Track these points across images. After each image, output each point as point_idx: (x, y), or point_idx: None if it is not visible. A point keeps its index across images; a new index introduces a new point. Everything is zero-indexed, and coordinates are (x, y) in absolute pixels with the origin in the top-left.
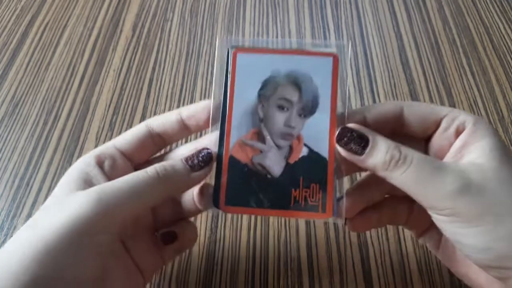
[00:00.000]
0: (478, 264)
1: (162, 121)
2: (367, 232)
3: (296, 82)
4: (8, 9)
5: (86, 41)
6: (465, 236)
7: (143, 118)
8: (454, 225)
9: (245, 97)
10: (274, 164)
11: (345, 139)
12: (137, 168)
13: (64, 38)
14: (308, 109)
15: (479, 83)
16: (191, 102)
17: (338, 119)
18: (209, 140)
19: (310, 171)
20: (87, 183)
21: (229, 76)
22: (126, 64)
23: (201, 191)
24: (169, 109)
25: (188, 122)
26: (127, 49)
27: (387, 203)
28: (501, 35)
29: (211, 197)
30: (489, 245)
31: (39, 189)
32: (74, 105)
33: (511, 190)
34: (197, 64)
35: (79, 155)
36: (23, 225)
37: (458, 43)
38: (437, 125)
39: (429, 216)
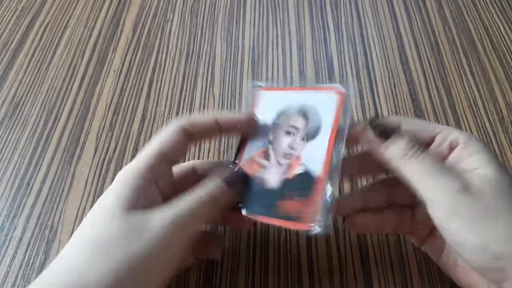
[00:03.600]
0: (475, 266)
1: (201, 120)
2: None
3: (304, 113)
4: (9, 9)
5: (87, 42)
6: (462, 235)
7: (143, 119)
8: (452, 224)
9: (262, 124)
10: (272, 178)
11: (376, 124)
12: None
13: (65, 38)
14: (311, 135)
15: (479, 83)
16: (192, 102)
17: (339, 136)
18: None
19: (302, 187)
20: (148, 200)
21: (251, 108)
22: (126, 64)
23: None
24: (170, 110)
25: (224, 125)
26: (128, 49)
27: (391, 210)
28: (501, 35)
29: None
30: (484, 245)
31: (40, 190)
32: (75, 106)
33: (505, 196)
34: (197, 65)
35: (80, 156)
36: (91, 250)
37: (458, 43)
38: (431, 140)
39: (430, 223)
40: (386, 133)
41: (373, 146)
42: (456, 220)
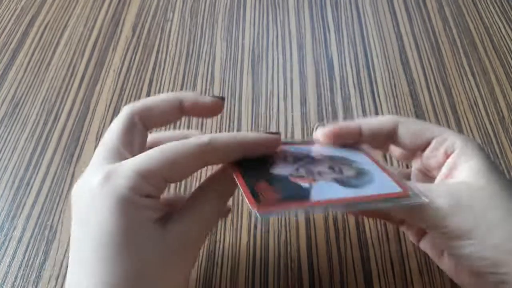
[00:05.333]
0: (475, 271)
1: (159, 102)
2: (367, 232)
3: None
4: (8, 9)
5: (86, 41)
6: (460, 248)
7: None
8: (448, 240)
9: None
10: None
11: None
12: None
13: (64, 38)
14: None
15: (480, 83)
16: None
17: None
18: None
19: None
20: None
21: None
22: (126, 64)
23: None
24: None
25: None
26: (127, 49)
27: None
28: (502, 36)
29: None
30: (482, 255)
31: (39, 190)
32: (74, 105)
33: (497, 205)
34: (197, 65)
35: (79, 155)
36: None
37: (459, 44)
38: (428, 143)
39: None
40: None
41: None
42: (452, 238)
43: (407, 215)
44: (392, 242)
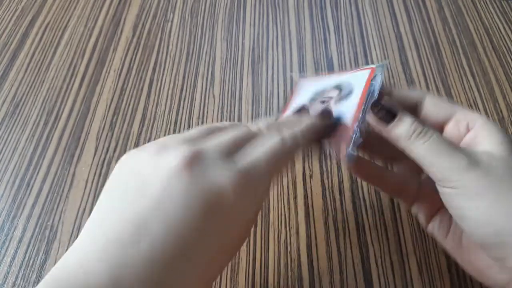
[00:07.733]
0: (478, 240)
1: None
2: (367, 232)
3: (339, 87)
4: (9, 9)
5: (87, 42)
6: (468, 209)
7: (143, 119)
8: (459, 198)
9: (300, 101)
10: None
11: (377, 108)
12: None
13: (65, 38)
14: (344, 97)
15: (479, 83)
16: (192, 102)
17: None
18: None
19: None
20: None
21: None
22: (126, 64)
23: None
24: (170, 110)
25: None
26: (128, 49)
27: (398, 169)
28: (501, 36)
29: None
30: (489, 219)
31: (40, 190)
32: (75, 106)
33: None
34: (197, 65)
35: (80, 156)
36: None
37: (458, 44)
38: (449, 117)
39: (437, 199)
40: (391, 112)
41: (378, 128)
42: (463, 196)
43: (427, 161)
44: (392, 241)
